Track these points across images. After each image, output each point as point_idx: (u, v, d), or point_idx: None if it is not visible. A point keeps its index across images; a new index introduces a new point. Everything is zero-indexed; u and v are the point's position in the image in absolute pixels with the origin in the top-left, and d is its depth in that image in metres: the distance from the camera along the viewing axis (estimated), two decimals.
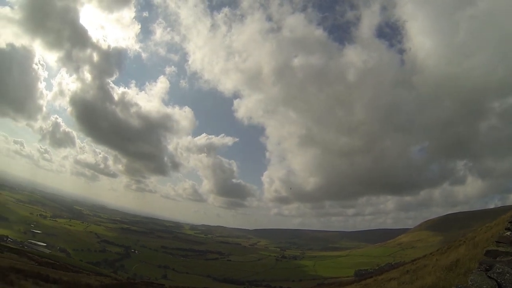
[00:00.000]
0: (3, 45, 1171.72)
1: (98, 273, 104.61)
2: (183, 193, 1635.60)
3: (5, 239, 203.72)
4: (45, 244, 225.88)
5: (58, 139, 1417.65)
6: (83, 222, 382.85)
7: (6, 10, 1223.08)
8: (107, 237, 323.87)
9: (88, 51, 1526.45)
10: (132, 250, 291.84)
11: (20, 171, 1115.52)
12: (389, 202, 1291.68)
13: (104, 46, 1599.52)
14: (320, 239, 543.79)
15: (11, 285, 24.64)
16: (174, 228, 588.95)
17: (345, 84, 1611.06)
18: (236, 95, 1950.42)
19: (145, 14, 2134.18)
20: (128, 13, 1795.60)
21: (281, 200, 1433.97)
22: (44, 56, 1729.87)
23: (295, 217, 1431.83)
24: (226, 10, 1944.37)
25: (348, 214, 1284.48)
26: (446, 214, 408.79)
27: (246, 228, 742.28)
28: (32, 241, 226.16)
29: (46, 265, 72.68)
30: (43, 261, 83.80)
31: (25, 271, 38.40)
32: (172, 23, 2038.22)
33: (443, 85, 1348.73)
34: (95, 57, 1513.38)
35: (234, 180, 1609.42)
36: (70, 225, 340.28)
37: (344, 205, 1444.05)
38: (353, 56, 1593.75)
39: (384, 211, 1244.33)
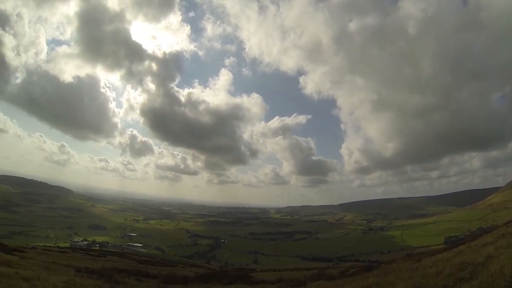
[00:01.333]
0: (70, 79, 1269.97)
1: (192, 265, 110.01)
2: (265, 179, 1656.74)
3: (106, 244, 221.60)
4: (141, 245, 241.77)
5: (137, 150, 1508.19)
6: (172, 221, 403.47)
7: (64, 48, 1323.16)
8: (196, 231, 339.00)
9: (146, 63, 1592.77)
10: (222, 240, 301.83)
11: (110, 184, 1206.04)
12: (475, 160, 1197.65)
13: (160, 54, 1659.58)
14: (405, 206, 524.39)
15: (117, 284, 27.53)
16: (260, 214, 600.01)
17: (407, 39, 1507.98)
18: (300, 72, 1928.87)
19: (192, 14, 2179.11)
20: (175, 18, 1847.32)
21: (363, 171, 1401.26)
22: (108, 79, 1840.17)
23: (378, 187, 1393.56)
24: None
25: (432, 177, 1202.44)
26: None
27: (331, 204, 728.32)
28: (130, 243, 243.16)
29: (145, 263, 78.53)
30: (142, 259, 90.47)
31: (127, 270, 42.36)
32: (220, 15, 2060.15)
33: None
34: (154, 66, 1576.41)
35: (313, 158, 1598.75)
36: (161, 225, 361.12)
37: (427, 167, 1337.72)
38: (410, 7, 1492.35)
39: (470, 170, 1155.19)
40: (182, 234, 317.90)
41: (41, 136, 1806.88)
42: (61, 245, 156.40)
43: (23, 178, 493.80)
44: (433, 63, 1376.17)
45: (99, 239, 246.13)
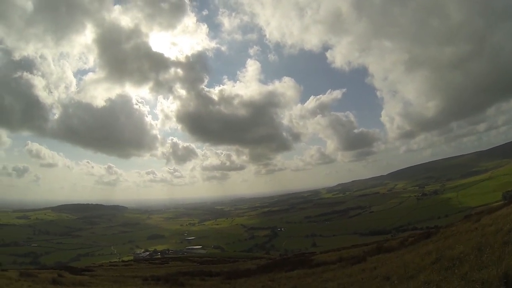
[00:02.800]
0: (103, 103, 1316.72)
1: (253, 257, 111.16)
2: (311, 160, 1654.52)
3: (166, 252, 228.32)
4: (200, 246, 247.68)
5: (181, 156, 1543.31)
6: (227, 218, 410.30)
7: (90, 75, 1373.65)
8: (252, 224, 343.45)
9: (172, 70, 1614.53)
10: (278, 229, 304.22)
11: (160, 194, 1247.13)
12: None
13: (183, 59, 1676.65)
14: (456, 166, 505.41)
15: (183, 286, 28.57)
16: (312, 196, 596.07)
17: None
18: (326, 47, 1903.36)
19: (205, 12, 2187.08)
20: (189, 20, 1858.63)
21: (407, 135, 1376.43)
22: (139, 94, 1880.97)
23: (425, 149, 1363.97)
24: None
25: (479, 131, 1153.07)
26: None
27: (380, 174, 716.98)
28: (189, 247, 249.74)
29: (207, 263, 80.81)
30: (203, 260, 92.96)
31: (190, 272, 43.76)
32: (234, 6, 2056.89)
33: None
34: (180, 72, 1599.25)
35: (355, 131, 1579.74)
36: (217, 224, 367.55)
37: (473, 121, 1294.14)
38: None
39: None
40: (238, 229, 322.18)
41: (88, 162, 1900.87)
42: (125, 259, 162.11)
43: (80, 204, 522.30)
44: (460, 9, 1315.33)
45: (159, 247, 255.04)
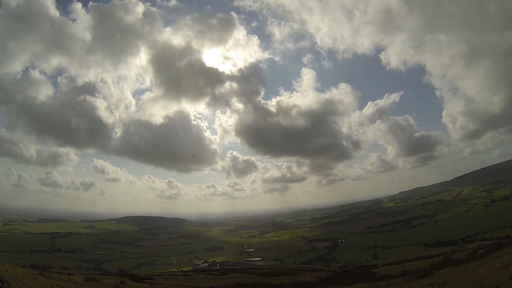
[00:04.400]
0: (161, 120, 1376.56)
1: (313, 270, 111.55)
2: (372, 168, 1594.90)
3: (226, 263, 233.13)
4: (260, 258, 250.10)
5: (241, 169, 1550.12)
6: (288, 230, 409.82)
7: (147, 94, 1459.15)
8: (312, 236, 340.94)
9: (227, 84, 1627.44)
10: (339, 240, 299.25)
11: (221, 207, 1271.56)
12: None
13: (237, 72, 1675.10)
14: None
15: None
16: (373, 205, 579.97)
17: None
18: (379, 49, 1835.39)
19: (254, 23, 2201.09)
20: (239, 33, 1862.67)
21: (472, 136, 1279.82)
22: (197, 109, 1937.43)
23: (493, 150, 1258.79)
24: None
25: None
26: None
27: (445, 180, 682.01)
28: (249, 259, 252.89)
29: (266, 275, 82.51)
30: (263, 272, 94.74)
31: (249, 284, 45.84)
32: (282, 15, 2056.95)
33: None
34: (236, 85, 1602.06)
35: (416, 135, 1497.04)
36: (278, 236, 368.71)
37: None
38: None
39: None
40: (299, 241, 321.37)
41: (149, 177, 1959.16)
42: (184, 269, 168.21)
43: (142, 216, 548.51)
44: None
45: (218, 259, 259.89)
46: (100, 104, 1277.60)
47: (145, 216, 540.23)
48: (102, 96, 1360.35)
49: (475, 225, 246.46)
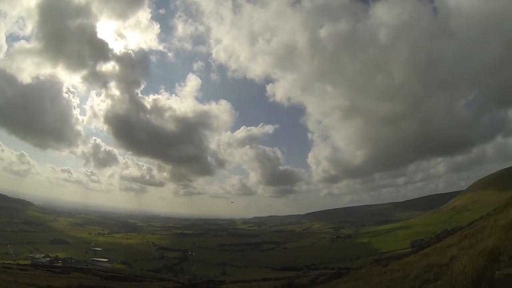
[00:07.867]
0: (29, 80, 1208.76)
1: (160, 279, 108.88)
2: (232, 189, 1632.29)
3: (69, 260, 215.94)
4: (107, 259, 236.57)
5: (102, 159, 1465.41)
6: (139, 234, 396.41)
7: (22, 43, 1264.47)
8: (163, 244, 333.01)
9: (112, 64, 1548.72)
10: (190, 253, 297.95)
11: (73, 196, 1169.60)
12: (440, 165, 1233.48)
13: (126, 55, 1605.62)
14: (372, 213, 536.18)
15: None
16: (227, 225, 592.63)
17: (378, 47, 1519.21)
18: (268, 80, 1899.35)
19: (162, 11, 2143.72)
20: (143, 14, 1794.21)
21: (331, 180, 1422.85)
22: (71, 81, 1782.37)
23: (346, 195, 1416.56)
24: None
25: (398, 184, 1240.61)
26: (501, 170, 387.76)
27: (298, 213, 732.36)
28: (95, 258, 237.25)
29: (111, 279, 77.08)
30: (108, 275, 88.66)
31: (91, 287, 41.77)
32: (193, 13, 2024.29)
33: (486, 25, 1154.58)
34: (120, 69, 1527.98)
35: (280, 167, 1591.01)
36: (128, 238, 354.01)
37: (394, 174, 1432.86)
38: (381, 14, 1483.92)
39: (435, 175, 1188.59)
40: (149, 247, 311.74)
41: None
42: (21, 262, 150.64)
43: None
44: (403, 71, 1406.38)
45: (61, 254, 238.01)
46: None
47: None
48: None
49: (320, 255, 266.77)
